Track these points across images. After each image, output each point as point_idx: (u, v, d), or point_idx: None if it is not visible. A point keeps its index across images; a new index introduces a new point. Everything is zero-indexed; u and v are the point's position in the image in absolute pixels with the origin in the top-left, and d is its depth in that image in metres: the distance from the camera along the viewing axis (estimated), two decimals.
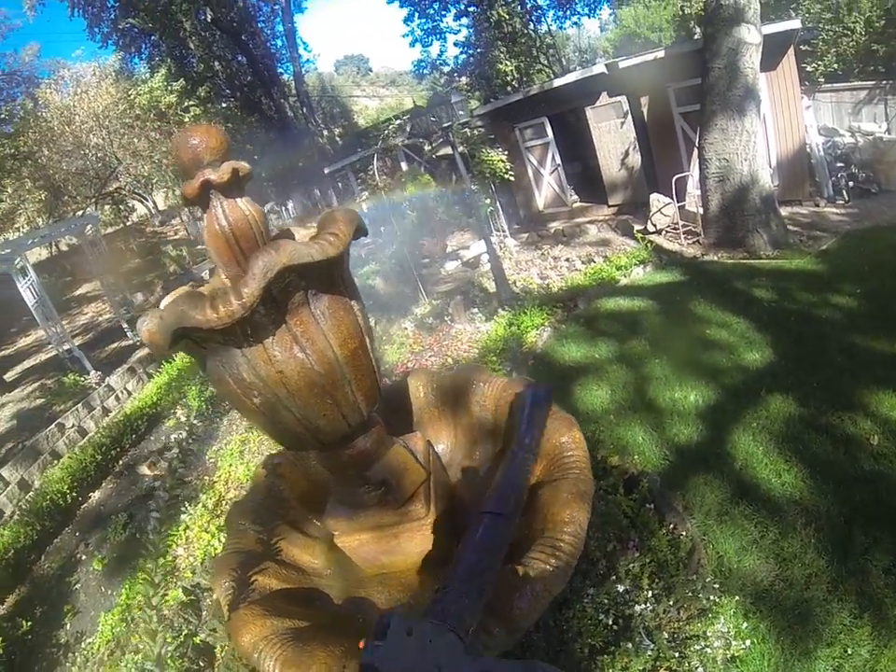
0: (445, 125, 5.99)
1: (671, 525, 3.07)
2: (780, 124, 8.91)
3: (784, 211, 8.27)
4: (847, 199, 8.83)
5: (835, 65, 12.61)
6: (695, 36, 16.13)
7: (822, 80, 12.17)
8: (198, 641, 3.24)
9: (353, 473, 1.83)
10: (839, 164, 9.11)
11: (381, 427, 1.83)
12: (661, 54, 9.30)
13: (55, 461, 7.44)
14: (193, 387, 7.06)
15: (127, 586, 4.67)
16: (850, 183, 8.93)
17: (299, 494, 2.44)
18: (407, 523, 1.87)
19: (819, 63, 12.67)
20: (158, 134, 20.71)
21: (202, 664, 3.14)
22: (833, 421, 3.83)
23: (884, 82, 9.94)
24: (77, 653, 4.42)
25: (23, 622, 4.58)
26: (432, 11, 21.48)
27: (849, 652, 2.50)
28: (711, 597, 2.76)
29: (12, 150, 18.06)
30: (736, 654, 2.60)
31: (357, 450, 1.76)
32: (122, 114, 20.31)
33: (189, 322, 1.28)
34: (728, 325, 5.50)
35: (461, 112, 5.99)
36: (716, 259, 7.67)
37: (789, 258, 7.09)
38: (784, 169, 9.08)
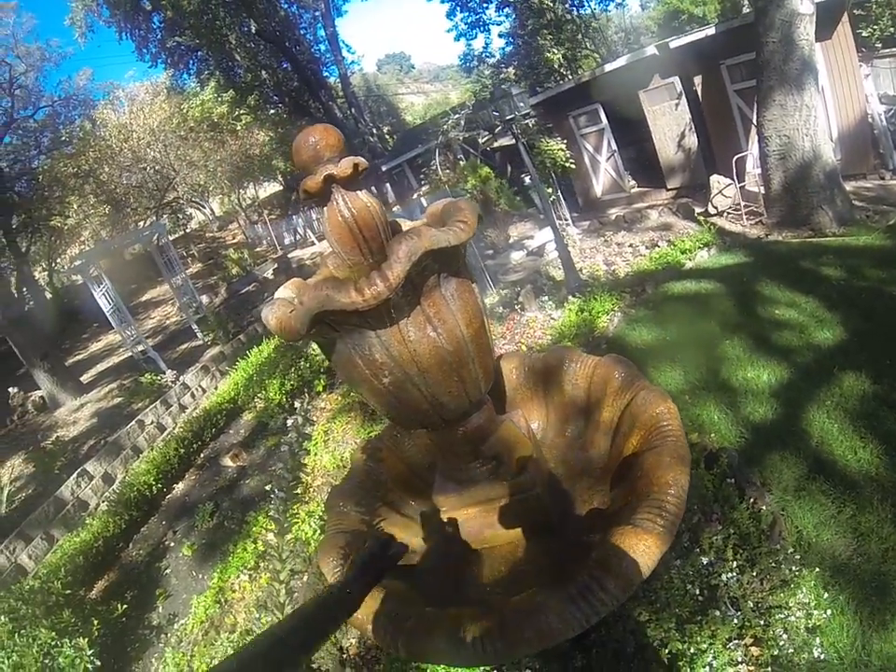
0: (508, 117, 6.06)
1: (751, 500, 3.12)
2: (840, 95, 8.61)
3: (848, 186, 8.00)
4: None
5: (892, 28, 12.00)
6: (744, 10, 15.57)
7: (879, 45, 11.61)
8: None
9: (467, 449, 1.94)
10: None
11: (490, 404, 1.96)
12: (711, 31, 9.12)
13: (136, 456, 7.92)
14: (275, 381, 7.35)
15: (219, 570, 4.95)
16: None
17: (395, 477, 2.53)
18: (516, 495, 1.97)
19: (875, 27, 12.11)
20: (211, 144, 21.53)
21: None
22: None
23: None
24: (170, 634, 4.69)
25: (118, 605, 4.84)
26: (474, 4, 21.53)
27: None
28: (793, 568, 2.82)
29: (74, 169, 19.10)
30: (818, 624, 2.66)
31: (472, 426, 1.86)
32: (177, 127, 21.26)
33: (334, 305, 1.39)
34: (797, 304, 5.43)
35: (521, 104, 6.06)
36: (780, 238, 7.52)
37: (855, 234, 6.89)
38: (846, 142, 8.78)
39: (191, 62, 20.70)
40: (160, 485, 6.56)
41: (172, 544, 5.77)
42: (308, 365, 7.47)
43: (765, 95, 7.39)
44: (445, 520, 2.15)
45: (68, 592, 4.79)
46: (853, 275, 5.73)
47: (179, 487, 6.81)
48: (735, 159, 8.20)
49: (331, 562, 2.09)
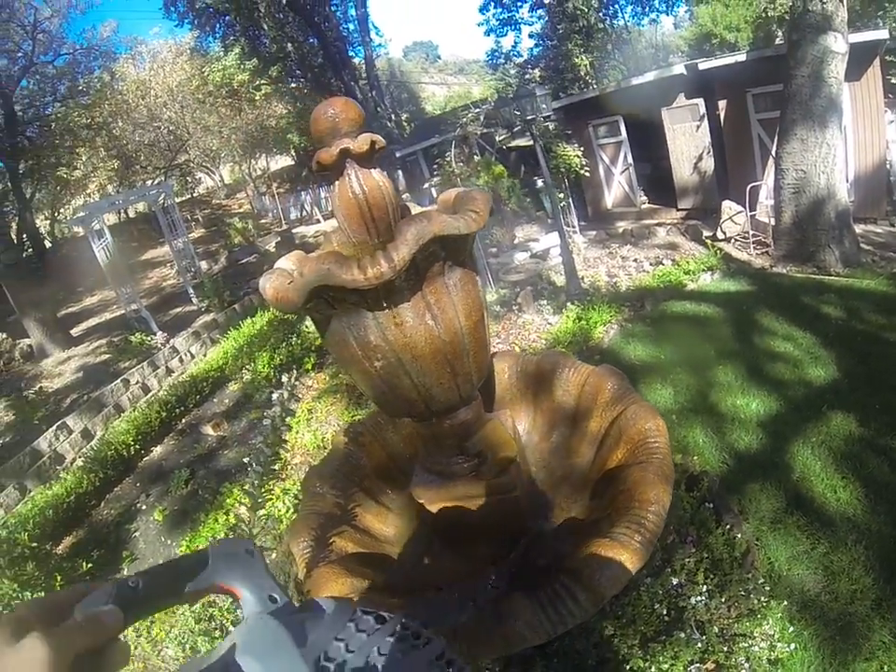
0: (529, 117, 6.00)
1: (727, 526, 3.12)
2: (861, 138, 8.59)
3: (858, 228, 7.99)
4: None
5: None
6: (777, 41, 15.55)
7: None
8: None
9: (451, 443, 1.92)
10: None
11: (479, 401, 1.93)
12: (742, 57, 9.09)
13: (118, 414, 7.83)
14: (264, 354, 7.29)
15: (188, 538, 4.89)
16: None
17: (375, 464, 2.52)
18: (495, 496, 1.95)
19: None
20: (228, 110, 21.32)
21: None
22: (893, 444, 3.82)
23: None
24: None
25: (83, 563, 4.72)
26: (508, 1, 21.40)
27: (885, 670, 2.55)
28: (762, 598, 2.82)
29: (88, 120, 18.81)
30: (780, 657, 2.67)
31: (458, 420, 1.84)
32: (196, 90, 21.02)
33: (335, 280, 1.36)
34: (794, 338, 5.45)
35: (544, 106, 6.01)
36: (784, 271, 7.52)
37: (860, 277, 6.88)
38: (861, 185, 8.77)
39: (218, 25, 20.42)
40: (138, 447, 6.47)
41: (143, 507, 5.68)
42: (300, 342, 7.42)
43: (787, 128, 7.38)
44: (421, 513, 2.13)
45: (34, 545, 4.69)
46: (852, 317, 5.75)
47: (157, 451, 6.73)
48: (749, 187, 8.19)
49: (302, 542, 2.09)
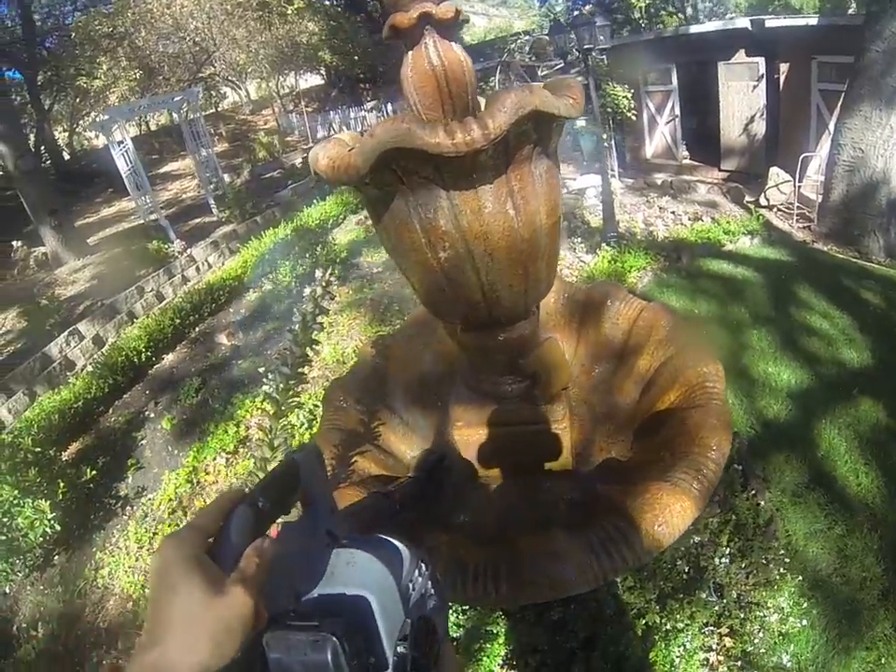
0: (587, 47, 5.62)
1: (752, 491, 3.06)
2: None
3: None
4: None
5: None
6: (850, 10, 14.58)
7: None
8: None
9: (503, 360, 1.76)
10: None
11: (538, 316, 1.75)
12: (813, 21, 8.53)
13: (131, 322, 7.74)
14: (286, 263, 7.09)
15: (196, 449, 4.84)
16: None
17: (403, 380, 2.36)
18: (543, 424, 1.81)
19: None
20: (258, 24, 20.34)
21: None
22: None
23: None
24: (136, 507, 4.60)
25: (87, 470, 4.68)
26: None
27: (883, 662, 2.58)
28: (780, 570, 2.78)
29: (110, 29, 17.94)
30: (791, 631, 2.67)
31: (517, 333, 1.66)
32: (224, 0, 19.96)
33: (415, 143, 1.16)
34: (830, 317, 5.31)
35: (601, 37, 5.61)
36: (825, 249, 7.28)
37: None
38: None
39: None
40: (149, 354, 6.38)
41: (152, 415, 5.61)
42: (325, 252, 7.20)
43: (852, 102, 7.00)
44: (456, 436, 1.99)
45: (38, 450, 4.59)
46: (892, 308, 5.59)
47: (169, 358, 6.65)
48: (801, 157, 7.83)
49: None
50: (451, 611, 2.64)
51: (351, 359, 4.83)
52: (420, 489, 1.52)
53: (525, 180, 1.34)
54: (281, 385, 2.18)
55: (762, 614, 2.64)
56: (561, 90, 1.40)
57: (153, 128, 24.21)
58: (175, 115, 14.46)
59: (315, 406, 4.30)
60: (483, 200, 1.31)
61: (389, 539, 0.67)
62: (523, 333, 1.67)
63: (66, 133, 22.37)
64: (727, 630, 2.56)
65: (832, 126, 7.96)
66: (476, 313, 1.55)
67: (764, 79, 9.19)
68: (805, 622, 2.68)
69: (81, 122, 22.06)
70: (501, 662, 2.57)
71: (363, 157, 1.24)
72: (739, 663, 2.53)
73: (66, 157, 21.08)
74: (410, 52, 1.41)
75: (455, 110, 1.43)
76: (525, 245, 1.39)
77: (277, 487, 0.62)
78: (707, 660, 2.53)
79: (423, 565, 0.66)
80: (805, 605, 2.78)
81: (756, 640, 2.56)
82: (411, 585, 0.63)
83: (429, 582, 0.66)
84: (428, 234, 1.39)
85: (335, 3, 20.90)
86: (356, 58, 20.11)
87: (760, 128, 9.55)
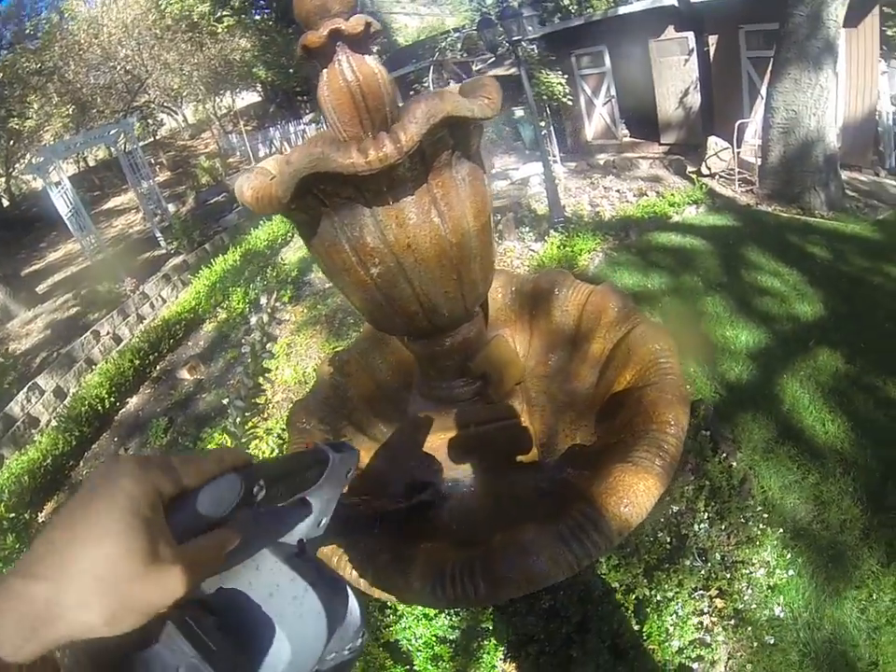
0: (515, 38, 5.65)
1: (723, 455, 3.13)
2: (853, 85, 8.48)
3: (843, 175, 7.98)
4: None
5: None
6: None
7: None
8: None
9: (452, 364, 1.76)
10: None
11: (481, 316, 1.76)
12: None
13: (90, 368, 7.53)
14: (238, 290, 7.03)
15: None
16: None
17: (363, 395, 2.34)
18: (502, 420, 1.81)
19: None
20: (189, 46, 20.00)
21: None
22: (877, 383, 3.90)
23: None
24: None
25: None
26: None
27: (874, 598, 2.66)
28: (760, 526, 2.85)
29: (38, 65, 17.53)
30: (778, 583, 2.74)
31: (461, 337, 1.68)
32: (152, 24, 19.55)
33: (330, 166, 1.15)
34: (780, 275, 5.46)
35: (530, 28, 5.66)
36: (769, 210, 7.48)
37: (844, 221, 6.92)
38: (850, 132, 8.68)
39: None
40: (112, 399, 6.27)
41: None
42: (275, 274, 7.13)
43: (781, 67, 7.23)
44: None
45: (12, 515, 4.53)
46: (838, 259, 5.80)
47: (133, 401, 6.53)
48: (737, 124, 8.07)
49: None
50: (444, 614, 2.64)
51: (312, 378, 4.77)
52: (401, 519, 1.50)
53: (447, 186, 1.34)
54: (238, 419, 2.15)
55: (748, 571, 2.70)
56: (476, 90, 1.41)
57: (92, 163, 23.62)
58: (112, 148, 14.12)
59: (283, 430, 4.24)
60: (406, 212, 1.31)
61: (352, 595, 0.58)
62: (467, 336, 1.67)
63: (3, 179, 21.66)
64: (716, 592, 2.61)
65: (763, 91, 8.20)
66: (416, 323, 1.55)
67: (695, 53, 9.43)
68: (791, 572, 2.76)
69: (17, 165, 21.34)
70: (502, 656, 2.58)
71: (283, 187, 1.23)
72: (733, 621, 2.58)
73: (5, 203, 20.37)
74: (324, 70, 1.40)
75: (374, 124, 1.42)
76: (454, 251, 1.39)
77: (288, 484, 0.54)
78: (702, 623, 2.58)
79: (361, 637, 0.57)
80: (790, 555, 2.85)
81: (746, 597, 2.62)
82: (335, 655, 0.55)
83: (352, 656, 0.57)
84: (358, 253, 1.38)
85: (266, 17, 20.64)
86: (290, 71, 19.92)
87: (695, 100, 9.79)
